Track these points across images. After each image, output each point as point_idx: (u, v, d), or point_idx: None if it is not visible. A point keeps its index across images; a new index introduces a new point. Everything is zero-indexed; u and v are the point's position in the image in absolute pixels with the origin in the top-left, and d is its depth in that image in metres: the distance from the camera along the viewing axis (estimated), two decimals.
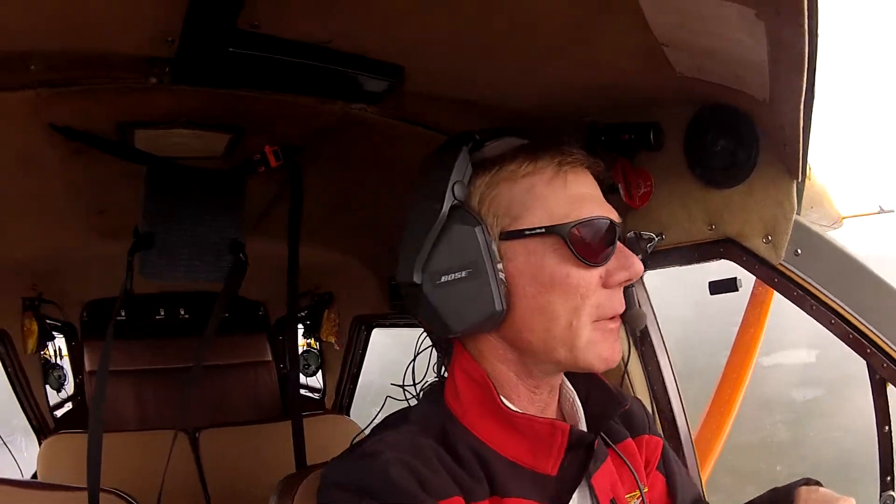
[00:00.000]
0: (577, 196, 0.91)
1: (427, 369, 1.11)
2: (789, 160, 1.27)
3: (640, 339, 1.61)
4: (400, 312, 2.71)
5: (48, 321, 2.96)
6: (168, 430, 2.75)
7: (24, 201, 1.79)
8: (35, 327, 2.73)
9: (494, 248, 0.89)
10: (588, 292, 0.89)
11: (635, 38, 1.05)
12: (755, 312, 2.99)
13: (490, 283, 0.87)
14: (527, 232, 0.89)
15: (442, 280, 0.89)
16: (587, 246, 0.88)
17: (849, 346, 1.32)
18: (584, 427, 1.00)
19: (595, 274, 0.89)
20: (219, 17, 1.01)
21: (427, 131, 1.55)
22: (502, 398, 0.93)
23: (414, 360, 2.41)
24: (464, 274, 0.88)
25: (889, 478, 1.34)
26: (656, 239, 1.48)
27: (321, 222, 2.14)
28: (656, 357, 1.63)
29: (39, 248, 2.26)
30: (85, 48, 1.14)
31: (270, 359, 3.62)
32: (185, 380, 3.12)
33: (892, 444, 1.34)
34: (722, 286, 1.47)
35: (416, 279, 0.90)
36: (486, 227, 0.89)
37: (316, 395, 3.62)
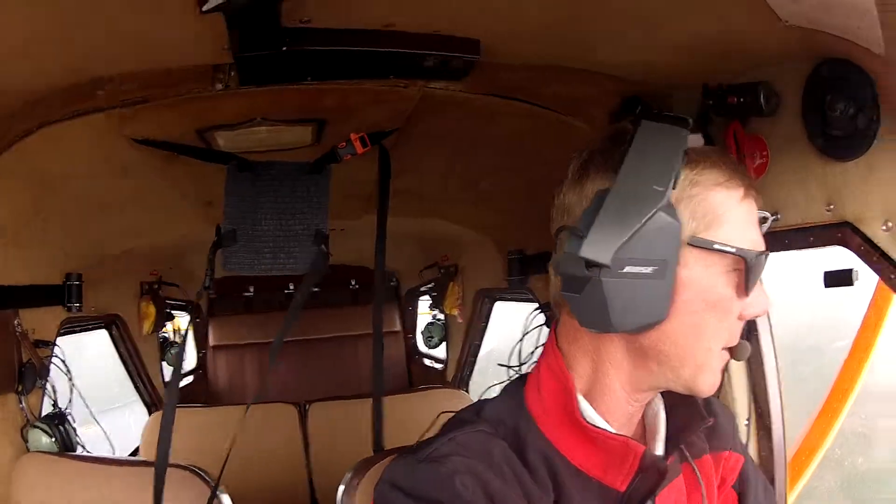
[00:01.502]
0: (755, 225, 0.91)
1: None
2: None
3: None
4: (518, 288, 2.65)
5: (168, 301, 3.14)
6: (279, 403, 2.99)
7: (128, 200, 1.97)
8: (152, 310, 2.90)
9: (680, 250, 0.85)
10: (732, 319, 0.89)
11: None
12: (875, 316, 2.42)
13: (669, 286, 0.84)
14: (716, 246, 0.85)
15: (626, 270, 0.83)
16: (755, 277, 0.87)
17: None
18: (662, 440, 0.98)
19: (739, 305, 0.89)
20: (260, 22, 1.02)
21: (523, 104, 1.50)
22: (584, 405, 0.91)
23: (522, 339, 2.43)
24: (650, 270, 0.83)
25: None
26: (771, 219, 1.27)
27: (435, 195, 2.20)
28: (763, 363, 1.44)
29: (156, 238, 2.50)
30: (150, 67, 1.20)
31: (399, 329, 3.68)
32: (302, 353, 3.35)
33: None
34: (837, 278, 1.23)
35: (606, 260, 0.82)
36: (681, 226, 0.85)
37: (439, 366, 3.66)
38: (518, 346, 2.35)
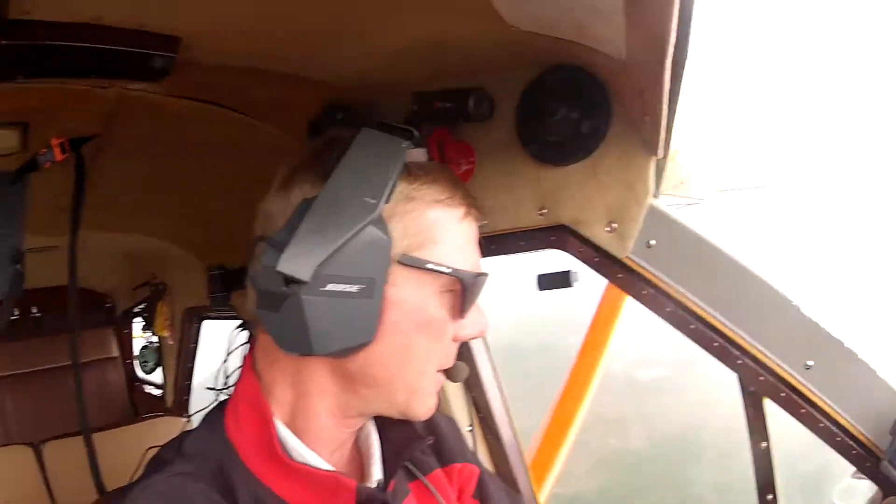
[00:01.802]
0: (474, 246, 0.88)
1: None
2: (649, 133, 1.03)
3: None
4: (220, 305, 2.53)
5: None
6: (11, 446, 2.68)
7: None
8: None
9: (389, 268, 0.79)
10: (446, 341, 0.86)
11: None
12: (606, 313, 2.54)
13: (376, 306, 0.78)
14: (429, 265, 0.80)
15: (328, 288, 0.75)
16: (470, 300, 0.84)
17: (713, 355, 1.12)
18: (379, 463, 0.92)
19: (453, 326, 0.86)
20: None
21: (221, 109, 1.38)
22: (286, 436, 0.83)
23: (226, 360, 2.26)
24: (355, 289, 0.76)
25: (770, 496, 1.19)
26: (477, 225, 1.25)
27: (134, 208, 2.04)
28: (479, 373, 1.43)
29: None
30: None
31: (117, 354, 3.49)
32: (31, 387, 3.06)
33: (770, 461, 1.18)
34: (553, 280, 1.24)
35: (305, 276, 0.73)
36: (392, 243, 0.79)
37: (158, 392, 3.49)
38: (223, 367, 2.26)
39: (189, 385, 3.25)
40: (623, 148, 1.10)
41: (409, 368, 0.83)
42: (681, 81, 0.83)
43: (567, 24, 0.92)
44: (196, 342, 3.09)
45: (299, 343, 0.77)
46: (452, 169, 1.21)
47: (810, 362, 1.08)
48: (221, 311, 2.72)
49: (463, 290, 0.83)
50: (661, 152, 1.07)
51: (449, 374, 0.89)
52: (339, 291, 0.75)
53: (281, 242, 0.74)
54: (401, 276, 0.80)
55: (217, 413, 0.88)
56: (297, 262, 0.73)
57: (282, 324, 0.76)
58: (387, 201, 0.78)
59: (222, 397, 0.93)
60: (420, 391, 0.85)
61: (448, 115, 1.17)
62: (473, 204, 0.88)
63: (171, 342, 3.15)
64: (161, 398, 3.48)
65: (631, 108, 1.05)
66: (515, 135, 1.19)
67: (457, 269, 0.82)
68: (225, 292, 2.40)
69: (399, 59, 1.14)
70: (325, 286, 0.74)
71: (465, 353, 1.41)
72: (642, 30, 0.77)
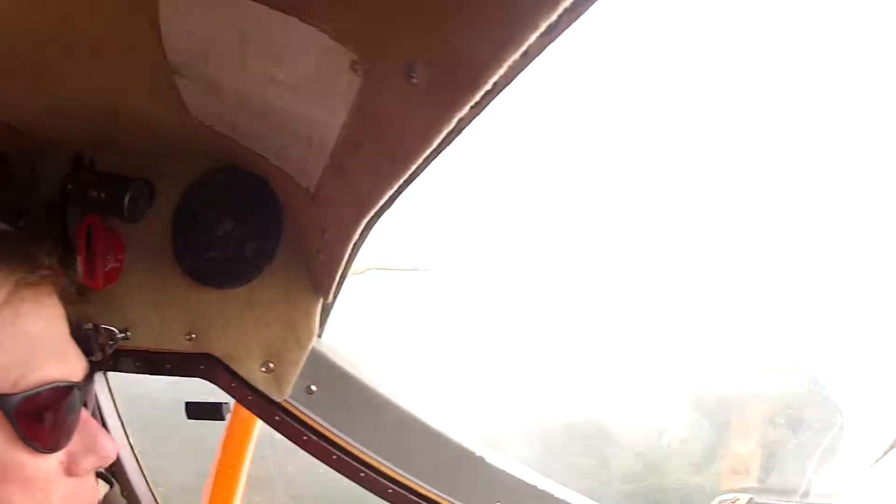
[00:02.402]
0: (29, 342, 0.66)
1: None
2: (320, 273, 0.98)
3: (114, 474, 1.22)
4: None
5: None
6: None
7: None
8: None
9: None
10: (49, 486, 0.66)
11: (146, 53, 0.71)
12: (236, 444, 2.06)
13: None
14: None
15: None
16: (39, 427, 0.65)
17: (390, 501, 1.10)
18: None
19: (55, 460, 0.67)
20: None
21: None
22: None
23: None
24: None
25: None
26: (119, 336, 1.10)
27: None
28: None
29: None
30: None
31: None
32: None
33: None
34: (203, 411, 1.15)
35: None
36: None
37: None
38: None
39: None
40: (289, 283, 1.04)
41: None
42: (370, 231, 0.79)
43: (262, 136, 0.85)
44: None
45: None
46: (97, 265, 1.06)
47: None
48: None
49: (18, 419, 0.64)
50: (330, 297, 1.04)
51: None
52: None
53: None
54: None
55: None
56: None
57: None
58: None
59: None
60: None
61: (101, 206, 1.01)
62: (26, 278, 0.66)
63: None
64: None
65: (307, 242, 0.99)
66: (171, 244, 1.07)
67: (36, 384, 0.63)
68: None
69: (63, 115, 0.96)
70: None
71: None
72: (348, 171, 0.72)
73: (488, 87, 0.39)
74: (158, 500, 1.36)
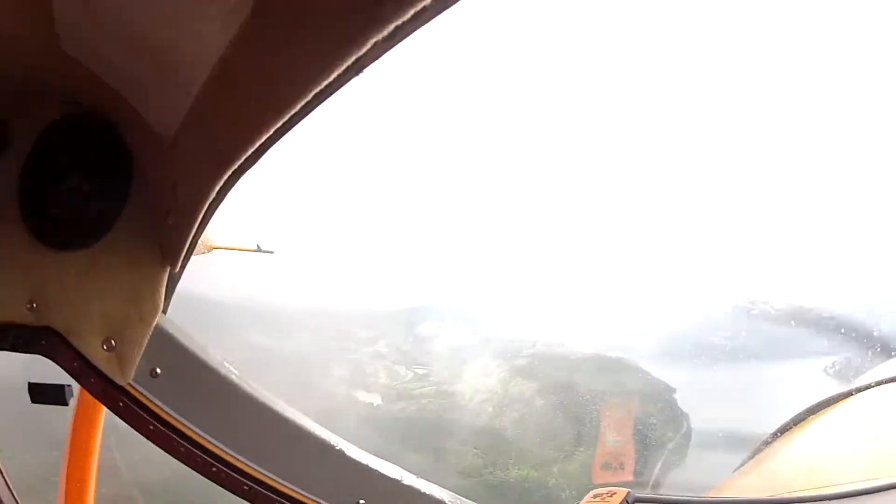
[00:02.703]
0: None
1: None
2: (170, 238, 0.88)
3: None
4: None
5: None
6: None
7: None
8: None
9: None
10: None
11: None
12: (84, 431, 1.79)
13: None
14: None
15: None
16: None
17: (246, 499, 1.01)
18: None
19: None
20: None
21: None
22: None
23: None
24: None
25: None
26: None
27: None
28: None
29: None
30: None
31: None
32: None
33: None
34: (46, 394, 1.02)
35: None
36: None
37: None
38: None
39: None
40: (134, 248, 0.92)
41: None
42: (226, 194, 0.71)
43: (128, 70, 0.75)
44: None
45: None
46: None
47: (362, 502, 1.04)
48: None
49: None
50: (178, 266, 0.93)
51: None
52: None
53: None
54: None
55: None
56: None
57: None
58: None
59: None
60: None
61: None
62: None
63: None
64: None
65: (158, 201, 0.89)
66: (18, 198, 0.92)
67: None
68: None
69: None
70: None
71: None
72: (207, 118, 0.64)
73: (406, 17, 0.35)
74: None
